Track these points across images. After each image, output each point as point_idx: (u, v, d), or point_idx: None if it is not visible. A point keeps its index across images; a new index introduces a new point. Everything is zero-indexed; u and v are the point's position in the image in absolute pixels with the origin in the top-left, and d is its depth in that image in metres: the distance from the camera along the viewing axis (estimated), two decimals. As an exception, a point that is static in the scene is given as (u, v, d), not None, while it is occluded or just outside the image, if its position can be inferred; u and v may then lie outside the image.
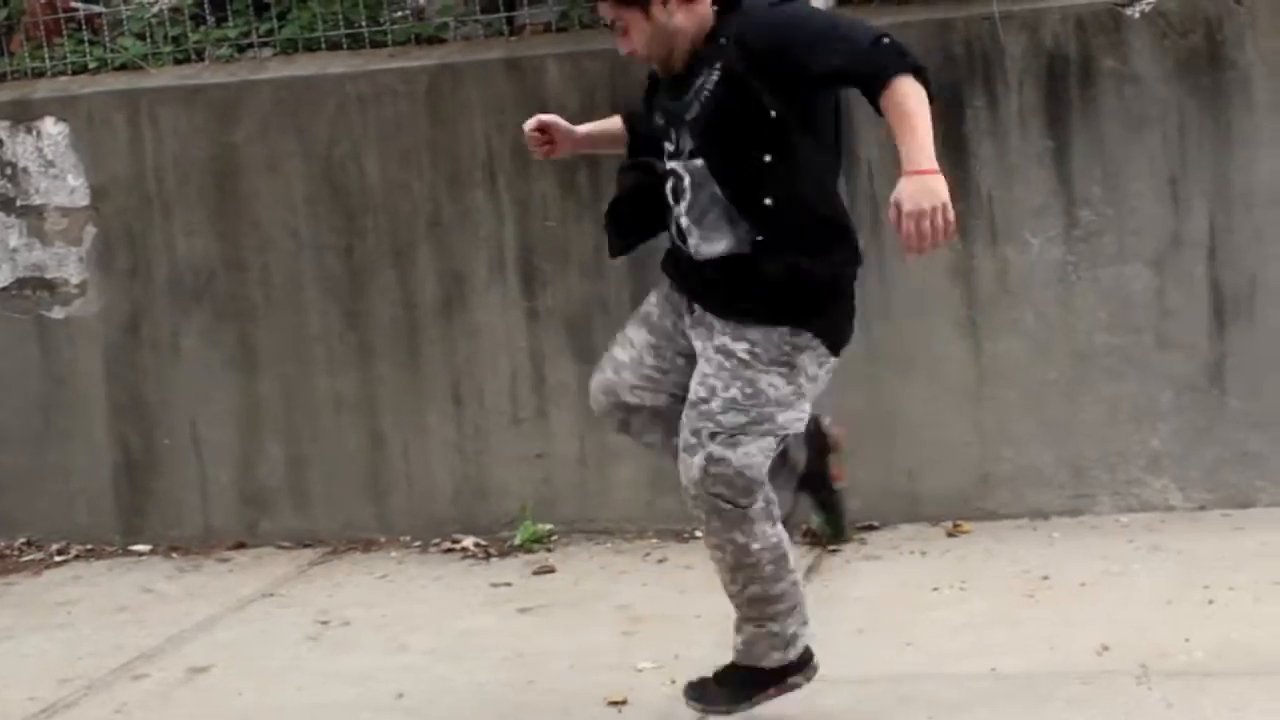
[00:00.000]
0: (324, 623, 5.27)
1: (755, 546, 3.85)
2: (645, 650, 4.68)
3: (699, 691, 4.05)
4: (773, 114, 3.65)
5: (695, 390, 3.80)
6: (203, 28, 6.57)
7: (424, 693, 4.52)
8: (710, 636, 4.71)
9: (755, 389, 3.74)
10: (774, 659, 3.98)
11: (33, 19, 6.81)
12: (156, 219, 6.35)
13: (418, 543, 6.10)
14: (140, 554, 6.40)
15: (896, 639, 4.59)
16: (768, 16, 3.72)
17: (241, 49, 6.48)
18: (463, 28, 6.31)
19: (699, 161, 3.75)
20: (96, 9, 6.82)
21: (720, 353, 3.77)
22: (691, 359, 3.88)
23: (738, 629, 4.01)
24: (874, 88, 3.62)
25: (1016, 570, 5.10)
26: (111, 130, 6.37)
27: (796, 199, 3.73)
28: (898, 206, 3.59)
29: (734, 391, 3.74)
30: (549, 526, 5.94)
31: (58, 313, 6.49)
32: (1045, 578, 4.99)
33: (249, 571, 6.03)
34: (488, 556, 5.87)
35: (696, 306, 3.87)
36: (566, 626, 5.03)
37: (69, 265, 6.47)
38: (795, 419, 3.82)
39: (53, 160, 6.44)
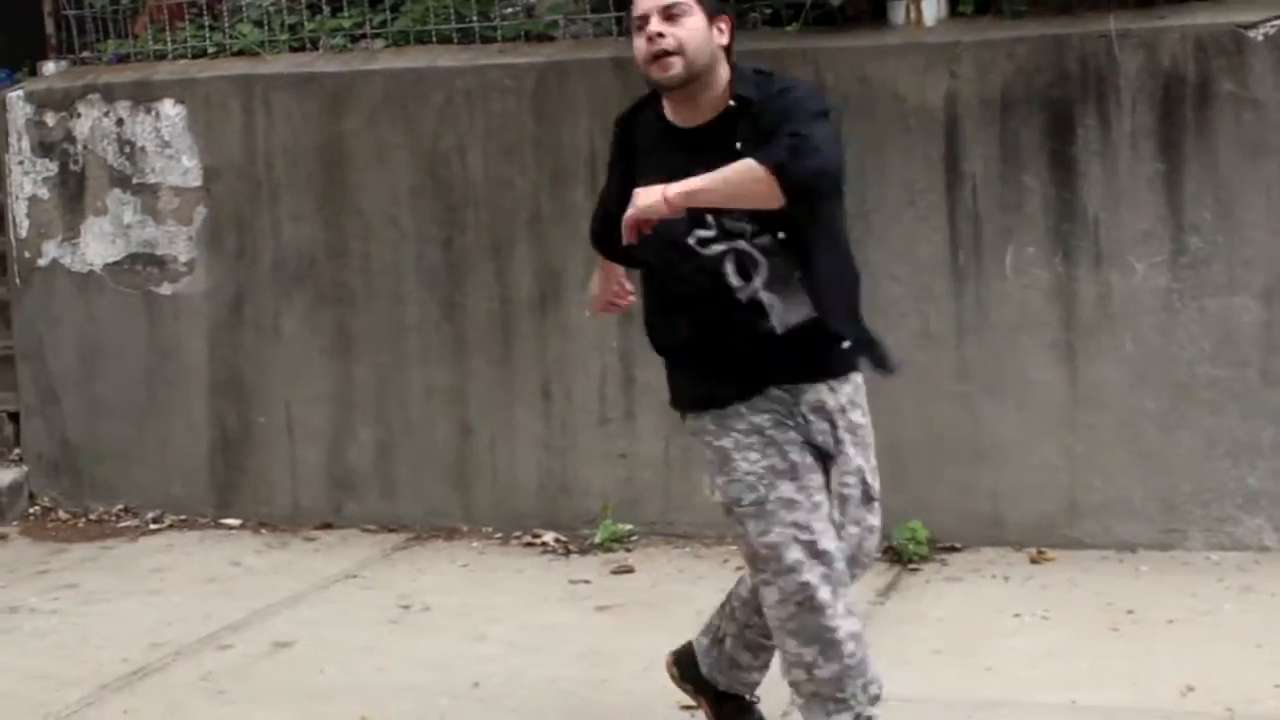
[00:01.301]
0: (405, 607, 5.33)
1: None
2: (719, 656, 4.67)
3: None
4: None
5: (853, 484, 3.71)
6: (318, 17, 6.68)
7: (499, 684, 4.55)
8: (784, 646, 4.72)
9: (871, 442, 3.79)
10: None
11: (156, 3, 6.97)
12: (264, 203, 6.46)
13: (499, 534, 6.15)
14: (231, 527, 6.52)
15: (976, 663, 4.56)
16: (774, 109, 3.54)
17: (355, 39, 6.57)
18: (572, 26, 6.35)
19: (766, 237, 3.57)
20: (218, -6, 6.96)
21: (850, 430, 3.72)
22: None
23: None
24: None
25: (1101, 602, 5.04)
26: (226, 114, 6.49)
27: (830, 262, 3.71)
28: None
29: (870, 454, 3.78)
30: (629, 527, 5.97)
31: (165, 289, 6.62)
32: (1130, 611, 4.93)
33: (334, 552, 6.11)
34: (568, 553, 5.91)
35: (799, 386, 3.68)
36: (643, 627, 5.04)
37: (179, 243, 6.59)
38: None
39: (169, 141, 6.57)
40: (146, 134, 6.62)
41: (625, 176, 3.72)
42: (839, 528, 3.70)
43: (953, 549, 5.61)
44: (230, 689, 4.64)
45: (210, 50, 6.75)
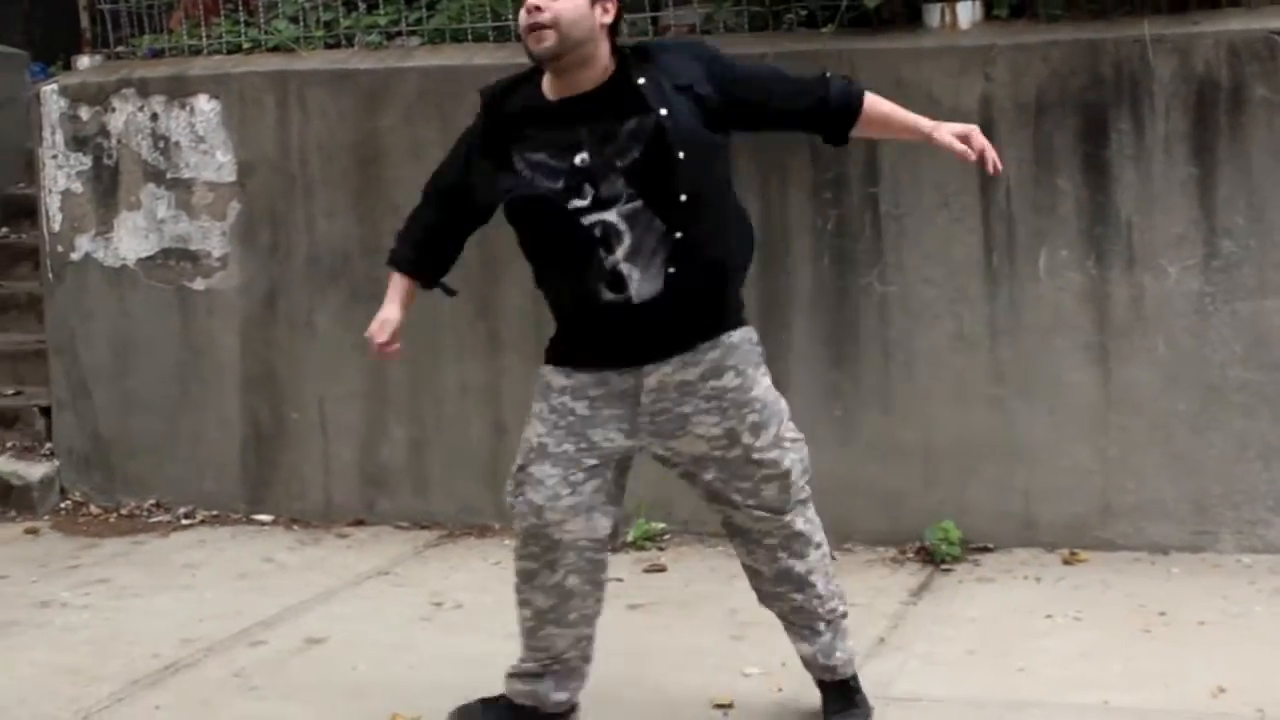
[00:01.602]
0: (438, 604, 5.35)
1: (799, 543, 4.10)
2: (753, 655, 4.69)
3: None
4: (707, 152, 3.74)
5: (715, 442, 3.86)
6: (354, 14, 6.71)
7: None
8: (819, 646, 4.73)
9: (764, 403, 3.90)
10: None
11: (192, -1, 7.00)
12: (299, 199, 6.49)
13: (531, 533, 6.15)
14: (263, 523, 6.55)
15: (1008, 663, 4.56)
16: (694, 56, 3.80)
17: (390, 36, 6.59)
18: (609, 26, 6.35)
19: (638, 203, 3.71)
20: (253, -10, 6.98)
21: (714, 397, 3.83)
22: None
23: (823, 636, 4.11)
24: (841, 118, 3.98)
25: (1133, 604, 5.04)
26: (261, 110, 6.51)
27: (716, 229, 3.80)
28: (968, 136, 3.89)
29: (751, 416, 3.87)
30: (662, 525, 5.98)
31: (199, 284, 6.65)
32: (1162, 613, 4.93)
33: (366, 549, 6.14)
34: (601, 551, 5.92)
35: (652, 365, 3.80)
36: (675, 626, 5.06)
37: (212, 239, 6.62)
38: (769, 388, 3.95)
39: (203, 136, 6.60)
40: (181, 129, 6.65)
41: (483, 152, 3.84)
42: (713, 497, 3.95)
43: (985, 549, 5.62)
44: (262, 685, 4.66)
45: (245, 46, 6.78)
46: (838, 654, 4.12)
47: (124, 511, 6.79)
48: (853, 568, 5.56)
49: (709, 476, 3.95)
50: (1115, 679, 4.40)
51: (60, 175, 6.87)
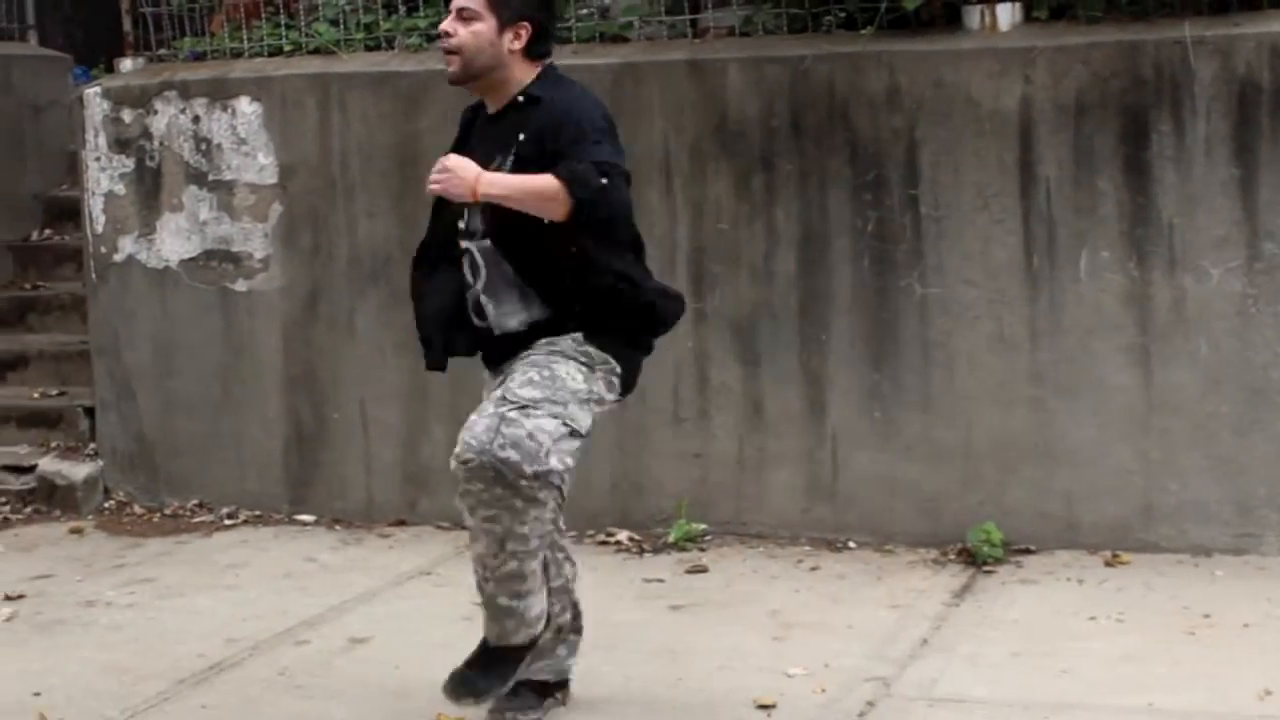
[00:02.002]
0: (479, 604, 5.36)
1: (526, 529, 3.99)
2: (796, 656, 4.71)
3: (459, 684, 4.18)
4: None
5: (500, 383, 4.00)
6: (394, 16, 6.73)
7: (574, 682, 4.57)
8: (862, 647, 4.76)
9: (552, 372, 3.93)
10: (521, 636, 4.13)
11: (233, 1, 7.03)
12: (340, 200, 6.53)
13: (572, 533, 6.10)
14: (305, 523, 6.58)
15: (1052, 665, 4.56)
16: (559, 117, 3.92)
17: (430, 38, 6.60)
18: (646, 28, 6.38)
19: (487, 242, 3.97)
20: (294, -7, 7.02)
21: (523, 361, 3.99)
22: None
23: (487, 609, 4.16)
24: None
25: (1177, 606, 5.04)
26: (302, 112, 6.55)
27: (587, 278, 3.95)
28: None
29: (531, 374, 3.94)
30: (703, 526, 5.99)
31: (241, 285, 6.69)
32: (1206, 616, 4.92)
33: (408, 548, 6.16)
34: (641, 552, 5.94)
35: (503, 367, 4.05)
36: (717, 627, 5.07)
37: (254, 240, 6.66)
38: (584, 420, 3.99)
39: (245, 138, 6.64)
40: (223, 131, 6.69)
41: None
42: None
43: (1027, 551, 5.61)
44: (307, 684, 4.69)
45: (286, 48, 6.81)
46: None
47: (167, 511, 6.83)
48: (894, 569, 5.57)
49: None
50: (1159, 681, 4.40)
51: (103, 177, 6.92)
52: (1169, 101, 5.49)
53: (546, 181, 3.81)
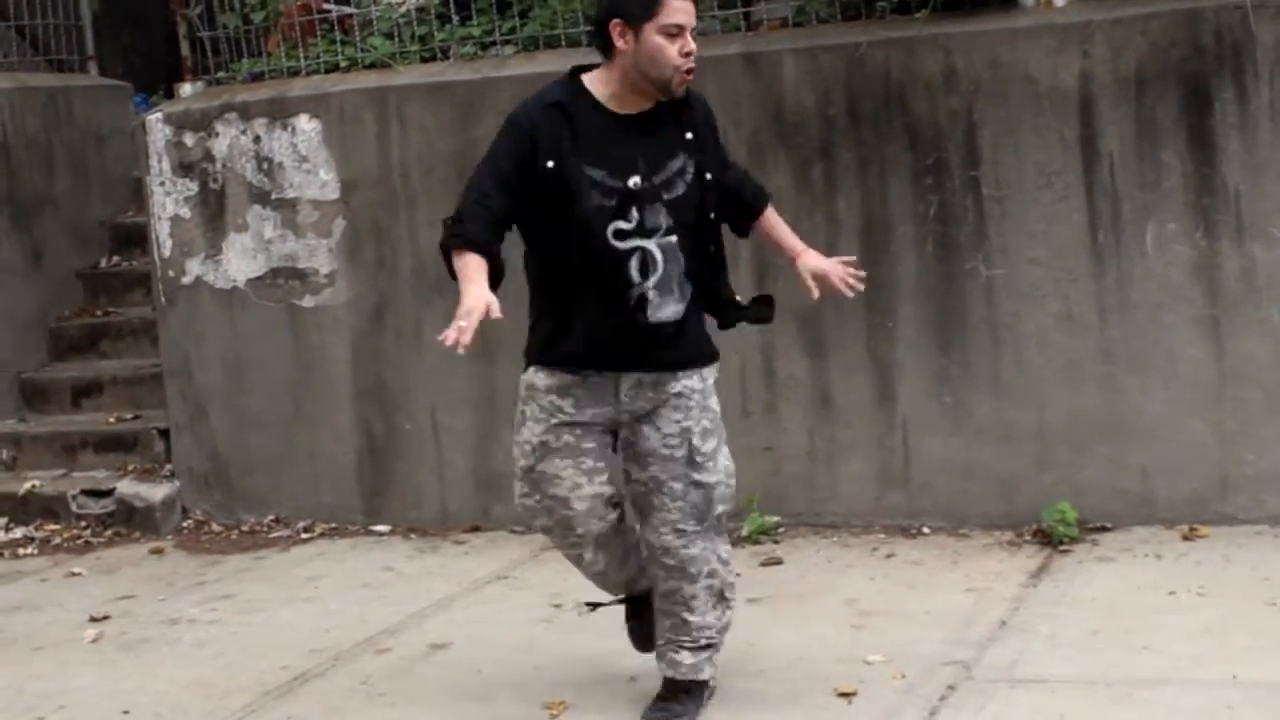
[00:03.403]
0: (557, 606, 5.39)
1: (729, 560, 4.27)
2: (874, 644, 4.69)
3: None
4: (716, 201, 4.13)
5: (665, 441, 4.08)
6: (448, 27, 6.77)
7: (655, 677, 4.54)
8: (939, 633, 4.74)
9: (713, 413, 4.14)
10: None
11: (288, 20, 7.09)
12: (402, 212, 6.57)
13: (647, 532, 6.18)
14: (381, 534, 6.63)
15: (1133, 642, 4.53)
16: (712, 116, 4.19)
17: (485, 47, 6.65)
18: (700, 23, 6.34)
19: (674, 238, 4.02)
20: (348, 10, 7.07)
21: (682, 395, 4.08)
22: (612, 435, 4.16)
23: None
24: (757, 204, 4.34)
25: (1256, 577, 4.98)
26: (361, 126, 6.60)
27: (712, 269, 4.17)
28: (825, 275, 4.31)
29: (705, 422, 4.10)
30: (776, 519, 5.99)
31: (308, 301, 6.75)
32: (1287, 585, 4.87)
33: (483, 554, 6.19)
34: (716, 547, 5.93)
35: (635, 374, 4.07)
36: (795, 618, 5.06)
37: (319, 256, 6.72)
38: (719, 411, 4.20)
39: (306, 155, 6.70)
40: (283, 150, 6.75)
41: (552, 157, 3.96)
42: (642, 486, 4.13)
43: (1103, 529, 5.57)
44: (389, 692, 4.72)
45: (343, 64, 6.88)
46: (684, 656, 4.25)
47: (245, 528, 6.91)
48: (970, 552, 5.54)
49: (651, 471, 4.12)
50: (1241, 653, 4.35)
51: (168, 201, 7.00)
52: (1230, 68, 5.43)
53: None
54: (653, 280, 3.98)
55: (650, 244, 3.98)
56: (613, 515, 4.20)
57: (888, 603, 5.11)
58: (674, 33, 3.91)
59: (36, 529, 7.13)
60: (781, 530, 5.97)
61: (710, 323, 4.27)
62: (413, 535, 6.56)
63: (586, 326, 4.03)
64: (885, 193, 5.83)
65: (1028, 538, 5.59)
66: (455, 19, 6.76)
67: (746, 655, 4.71)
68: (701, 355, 4.16)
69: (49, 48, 8.63)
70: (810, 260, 4.31)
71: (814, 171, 5.92)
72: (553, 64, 6.36)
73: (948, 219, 5.76)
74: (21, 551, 6.91)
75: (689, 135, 4.05)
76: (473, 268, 3.94)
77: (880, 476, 5.92)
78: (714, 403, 4.16)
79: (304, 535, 6.73)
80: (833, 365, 5.95)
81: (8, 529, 7.17)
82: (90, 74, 8.74)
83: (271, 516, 6.91)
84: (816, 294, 4.30)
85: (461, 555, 6.22)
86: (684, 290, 4.05)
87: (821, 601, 5.20)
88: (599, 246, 3.96)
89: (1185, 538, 5.44)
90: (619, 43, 3.95)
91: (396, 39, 6.81)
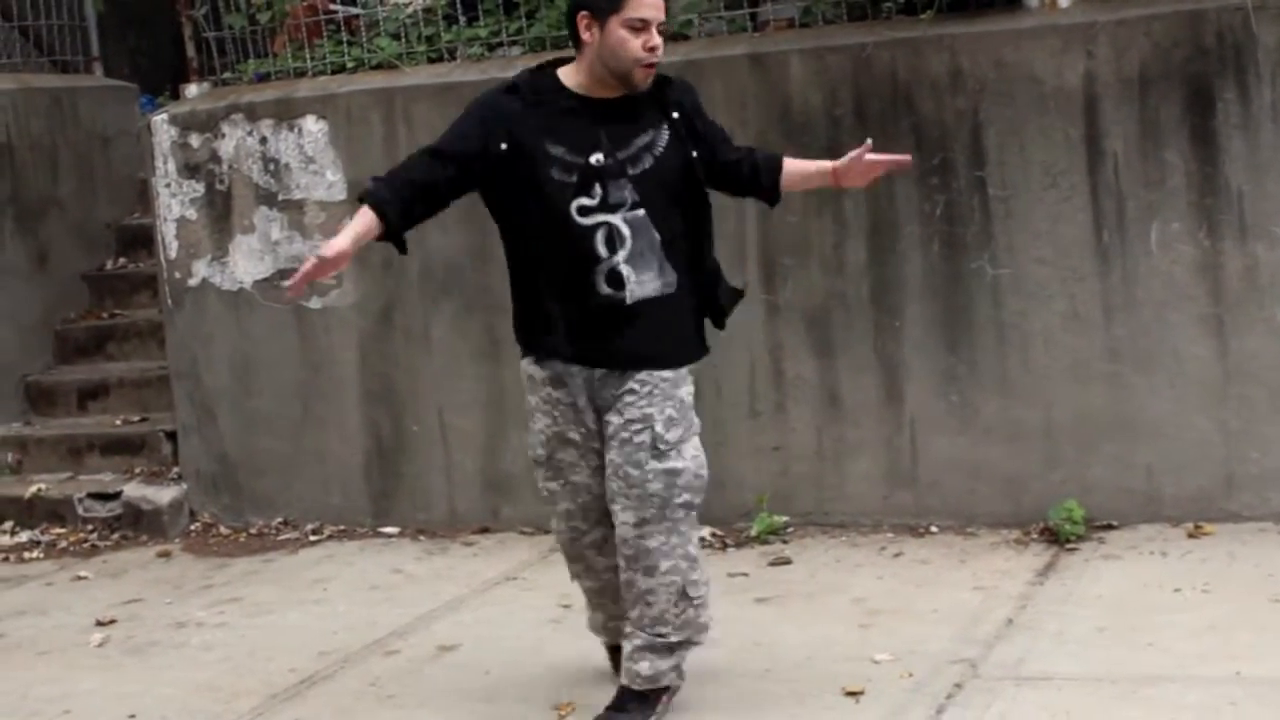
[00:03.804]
0: (566, 606, 5.39)
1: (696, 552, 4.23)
2: (882, 643, 4.71)
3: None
4: (698, 178, 4.15)
5: (627, 426, 4.09)
6: (454, 28, 6.77)
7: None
8: (947, 631, 4.75)
9: (681, 402, 4.14)
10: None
11: (295, 21, 7.09)
12: (408, 213, 6.56)
13: (655, 531, 6.19)
14: (389, 536, 6.64)
15: (1138, 639, 4.54)
16: (694, 97, 4.23)
17: (491, 48, 6.66)
18: (707, 24, 6.39)
19: (641, 212, 4.06)
20: (354, 11, 7.07)
21: (646, 383, 4.10)
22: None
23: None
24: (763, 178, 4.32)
25: (1261, 574, 5.00)
26: (368, 127, 6.61)
27: (703, 249, 4.21)
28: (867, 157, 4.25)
29: (670, 410, 4.10)
30: (785, 518, 6.00)
31: (315, 303, 6.76)
32: (1292, 582, 4.89)
33: (493, 555, 6.20)
34: (724, 547, 5.95)
35: (604, 367, 4.12)
36: (803, 617, 5.08)
37: (326, 257, 6.72)
38: (691, 401, 4.23)
39: (313, 156, 6.71)
40: (290, 151, 6.76)
41: (506, 139, 4.06)
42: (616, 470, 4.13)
43: (1109, 527, 5.59)
44: (398, 694, 4.72)
45: (349, 65, 6.87)
46: (644, 666, 4.22)
47: (253, 530, 6.91)
48: (977, 551, 5.56)
49: (611, 456, 4.14)
50: (1246, 650, 4.37)
51: (174, 203, 7.01)
52: (1233, 69, 5.44)
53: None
54: (622, 255, 4.05)
55: (615, 218, 4.05)
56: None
57: (895, 601, 5.12)
58: (638, 27, 3.98)
59: (42, 532, 7.13)
60: (790, 530, 5.98)
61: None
62: (421, 537, 6.57)
63: (563, 315, 4.10)
64: (892, 193, 5.85)
65: (1035, 536, 5.61)
66: (462, 20, 6.77)
67: (754, 654, 4.73)
68: (681, 355, 4.19)
69: (53, 48, 8.63)
70: (846, 159, 4.28)
71: (821, 172, 5.92)
72: (559, 65, 6.39)
73: (954, 219, 5.78)
74: (27, 555, 6.92)
75: (674, 115, 4.12)
76: (353, 222, 4.12)
77: (888, 476, 5.93)
78: (683, 392, 4.16)
79: (312, 537, 6.74)
80: (840, 365, 5.97)
81: (13, 533, 7.17)
82: (95, 75, 8.74)
83: (279, 519, 6.92)
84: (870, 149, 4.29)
85: (470, 557, 6.23)
86: (665, 267, 4.09)
87: (829, 600, 5.21)
88: (564, 223, 4.03)
89: (1190, 535, 5.46)
90: (585, 35, 4.04)
91: (403, 40, 6.82)
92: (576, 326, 4.10)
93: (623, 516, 4.13)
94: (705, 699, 4.42)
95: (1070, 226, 5.64)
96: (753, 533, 5.94)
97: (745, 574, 5.61)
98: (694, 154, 4.13)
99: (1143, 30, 5.53)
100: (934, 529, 5.85)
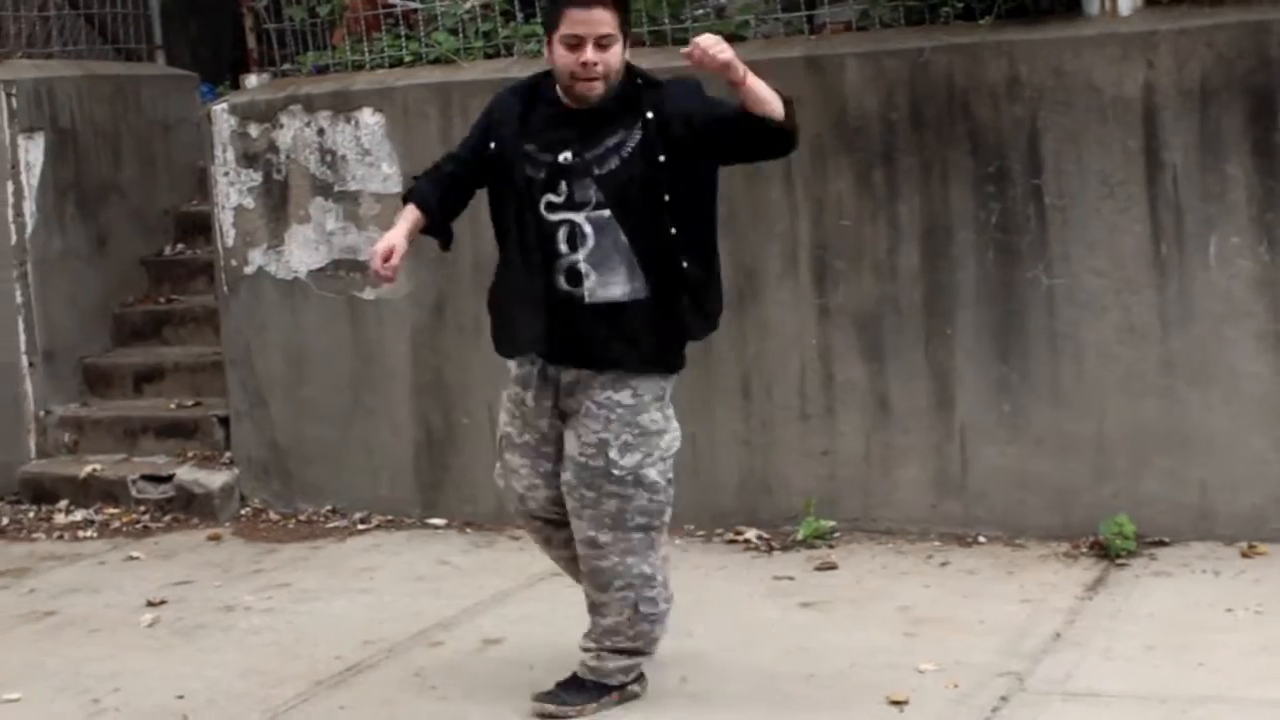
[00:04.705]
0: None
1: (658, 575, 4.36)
2: (927, 652, 4.69)
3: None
4: (678, 181, 4.13)
5: (583, 449, 4.20)
6: (512, 24, 6.78)
7: (706, 679, 4.60)
8: (993, 643, 4.73)
9: (641, 428, 4.19)
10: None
11: (354, 15, 7.13)
12: (463, 207, 6.59)
13: (701, 532, 6.20)
14: (437, 527, 6.66)
15: (1188, 659, 4.51)
16: (686, 101, 4.18)
17: (549, 43, 6.65)
18: (763, 26, 6.38)
19: (606, 213, 4.13)
20: (413, 5, 7.10)
21: (604, 406, 4.18)
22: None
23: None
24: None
25: (1316, 596, 4.95)
26: (424, 121, 6.63)
27: (682, 260, 4.15)
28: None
29: (625, 437, 4.17)
30: (831, 523, 5.98)
31: (368, 294, 6.79)
32: (1348, 606, 4.84)
33: (538, 550, 6.14)
34: (770, 550, 5.94)
35: (572, 370, 4.21)
36: (848, 623, 5.07)
37: (380, 249, 6.75)
38: (672, 439, 4.28)
39: (369, 149, 6.74)
40: (347, 142, 6.79)
41: (495, 139, 4.26)
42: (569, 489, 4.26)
43: (1161, 543, 5.54)
44: (441, 685, 4.74)
45: (407, 59, 6.90)
46: (589, 658, 4.43)
47: (302, 517, 6.95)
48: (1025, 563, 5.53)
49: (567, 476, 4.27)
50: (1300, 674, 4.33)
51: (232, 191, 7.06)
52: (1297, 81, 5.39)
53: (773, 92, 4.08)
54: (583, 253, 4.14)
55: (578, 217, 4.15)
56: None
57: (941, 611, 5.10)
58: (573, 44, 4.10)
59: (96, 512, 7.22)
60: (836, 535, 5.96)
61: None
62: (468, 529, 6.59)
63: (525, 307, 4.20)
64: (947, 199, 5.82)
65: (1084, 550, 5.57)
66: (519, 16, 6.77)
67: (798, 658, 4.73)
68: (643, 361, 4.21)
69: (117, 36, 8.69)
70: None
71: (875, 176, 5.91)
72: (617, 63, 6.40)
73: (1009, 227, 5.74)
74: (81, 534, 7.00)
75: (649, 115, 4.13)
76: (402, 216, 4.44)
77: (937, 483, 5.91)
78: (645, 418, 4.21)
79: (360, 526, 6.77)
80: (891, 371, 5.95)
81: (68, 511, 7.26)
82: (157, 63, 8.80)
83: (328, 507, 6.96)
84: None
85: (516, 551, 6.23)
86: (635, 273, 4.15)
87: (875, 607, 5.20)
88: (532, 218, 4.17)
89: (1244, 555, 5.40)
90: (545, 51, 4.23)
91: (461, 35, 6.83)
92: (536, 320, 4.20)
93: (579, 533, 4.29)
94: (748, 701, 4.43)
95: (1127, 238, 5.60)
96: (799, 536, 5.92)
97: (790, 578, 5.60)
98: (661, 158, 4.13)
99: (1205, 40, 5.48)
100: (982, 539, 5.82)
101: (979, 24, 5.78)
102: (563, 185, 4.16)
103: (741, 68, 4.01)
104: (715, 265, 4.30)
